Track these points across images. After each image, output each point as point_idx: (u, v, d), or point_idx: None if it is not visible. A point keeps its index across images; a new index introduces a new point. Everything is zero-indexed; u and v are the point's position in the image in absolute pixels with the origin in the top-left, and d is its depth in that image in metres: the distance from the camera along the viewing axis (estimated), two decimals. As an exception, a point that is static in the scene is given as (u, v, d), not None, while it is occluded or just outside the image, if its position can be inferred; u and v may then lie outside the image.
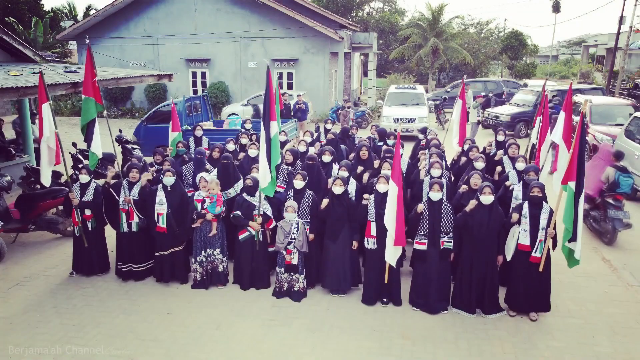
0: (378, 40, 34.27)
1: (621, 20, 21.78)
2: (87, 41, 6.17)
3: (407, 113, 15.68)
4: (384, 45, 35.99)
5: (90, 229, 6.06)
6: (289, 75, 20.72)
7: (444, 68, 33.17)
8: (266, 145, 5.38)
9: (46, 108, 5.81)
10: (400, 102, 16.61)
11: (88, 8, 43.40)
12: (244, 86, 21.07)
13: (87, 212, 6.02)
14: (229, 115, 17.55)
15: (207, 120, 13.25)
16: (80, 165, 8.80)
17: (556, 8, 54.67)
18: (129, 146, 10.52)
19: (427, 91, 29.41)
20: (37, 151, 7.64)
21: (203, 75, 21.64)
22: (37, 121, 7.22)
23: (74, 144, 9.77)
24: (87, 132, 5.95)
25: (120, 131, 10.88)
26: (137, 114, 21.15)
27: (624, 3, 20.97)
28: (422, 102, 16.60)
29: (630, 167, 9.33)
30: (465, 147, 7.07)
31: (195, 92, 21.51)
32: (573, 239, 4.79)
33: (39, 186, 8.52)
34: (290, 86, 20.51)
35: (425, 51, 29.07)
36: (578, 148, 4.73)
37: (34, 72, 7.66)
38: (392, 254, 5.05)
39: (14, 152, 9.86)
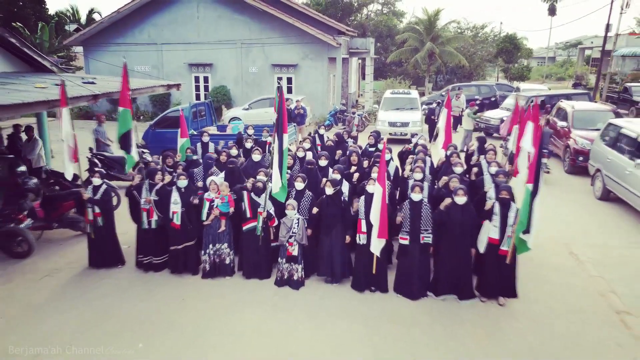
0: (376, 43, 35.07)
1: (607, 27, 22.52)
2: (125, 60, 6.93)
3: (401, 117, 16.43)
4: (381, 49, 36.74)
5: (99, 225, 6.79)
6: (289, 80, 21.47)
7: (441, 71, 33.91)
8: (279, 155, 6.12)
9: (65, 113, 6.56)
10: (395, 106, 17.36)
11: (91, 11, 44.16)
12: (245, 90, 21.82)
13: (97, 210, 6.77)
14: (230, 120, 18.36)
15: (211, 124, 14.03)
16: (96, 169, 9.52)
17: (552, 11, 55.62)
18: (139, 150, 11.22)
19: (423, 94, 30.24)
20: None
21: (205, 79, 22.38)
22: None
23: (90, 149, 10.50)
24: (124, 139, 6.71)
25: (108, 139, 11.60)
26: (141, 117, 21.87)
27: (610, 11, 21.70)
28: (416, 107, 17.35)
29: (603, 168, 10.13)
30: (448, 152, 7.82)
31: (197, 96, 22.26)
32: (527, 231, 5.52)
33: (57, 187, 9.29)
34: (289, 90, 21.24)
35: (421, 55, 29.80)
36: (536, 155, 5.46)
37: (56, 84, 8.43)
38: (376, 245, 5.79)
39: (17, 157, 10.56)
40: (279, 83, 21.10)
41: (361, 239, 6.08)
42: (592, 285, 6.50)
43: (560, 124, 13.35)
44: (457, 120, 18.01)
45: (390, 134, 16.13)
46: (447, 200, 5.81)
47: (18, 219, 7.19)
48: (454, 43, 31.66)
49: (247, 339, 5.32)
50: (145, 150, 11.45)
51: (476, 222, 5.92)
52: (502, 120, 16.93)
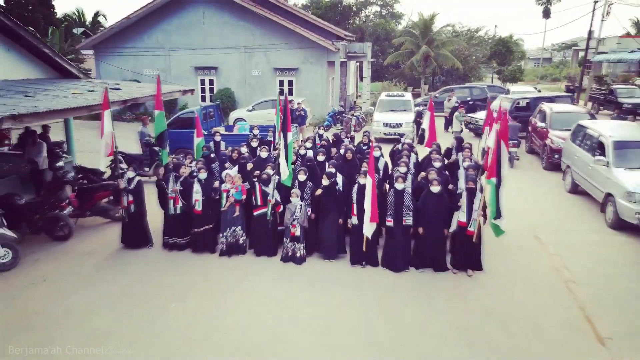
0: (374, 46, 36.28)
1: (590, 34, 23.72)
2: (158, 73, 8.17)
3: (395, 118, 17.63)
4: (379, 51, 37.94)
5: (132, 211, 8.01)
6: (290, 83, 22.68)
7: (436, 73, 35.13)
8: (285, 150, 7.34)
9: (107, 114, 7.75)
10: (390, 108, 18.57)
11: (96, 14, 45.36)
12: (248, 92, 23.02)
13: (131, 198, 7.98)
14: (235, 120, 19.56)
15: (219, 125, 15.23)
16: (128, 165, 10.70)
17: (546, 14, 56.81)
18: (155, 148, 12.44)
19: (419, 95, 31.46)
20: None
21: (211, 82, 23.58)
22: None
23: (116, 147, 11.66)
24: (161, 137, 7.95)
25: (149, 136, 12.83)
26: (149, 118, 23.00)
27: (592, 18, 22.92)
28: (409, 108, 18.55)
29: (572, 164, 11.34)
30: (430, 149, 9.02)
31: (203, 98, 23.45)
32: (497, 217, 6.72)
33: (85, 181, 10.48)
34: (290, 93, 22.44)
35: (417, 58, 31.05)
36: (496, 153, 6.65)
37: (89, 90, 9.66)
38: (368, 228, 6.98)
39: (61, 153, 11.77)
40: (281, 89, 22.34)
41: (353, 220, 7.28)
42: (549, 262, 7.71)
43: (540, 124, 14.58)
44: (450, 120, 19.24)
45: (384, 133, 17.33)
46: (429, 173, 7.08)
47: (61, 207, 8.38)
48: (448, 46, 32.89)
49: (258, 301, 6.51)
50: (159, 148, 12.62)
51: (449, 207, 7.13)
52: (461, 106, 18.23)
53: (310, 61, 22.31)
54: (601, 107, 25.29)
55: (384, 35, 38.11)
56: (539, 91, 28.13)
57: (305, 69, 22.44)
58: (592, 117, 14.49)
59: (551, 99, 18.55)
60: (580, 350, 5.43)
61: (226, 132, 13.82)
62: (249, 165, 8.46)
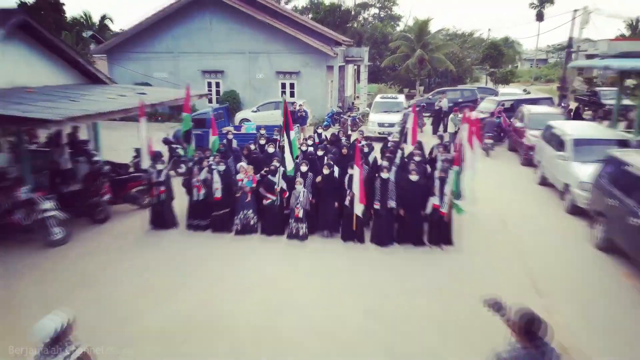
0: (371, 49, 37.81)
1: (570, 42, 25.24)
2: (188, 84, 9.73)
3: (388, 119, 19.15)
4: (376, 54, 39.46)
5: (162, 198, 9.54)
6: (291, 85, 24.22)
7: (431, 75, 36.66)
8: (289, 146, 8.87)
9: (143, 120, 9.29)
10: (384, 109, 20.09)
11: (103, 18, 46.86)
12: (252, 94, 24.55)
13: (161, 188, 9.52)
14: (241, 120, 21.09)
15: (228, 125, 16.76)
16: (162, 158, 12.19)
17: (539, 17, 58.39)
18: (173, 146, 13.98)
19: (414, 96, 32.98)
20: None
21: (217, 84, 25.12)
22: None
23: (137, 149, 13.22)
24: (187, 134, 9.54)
25: (168, 134, 14.35)
26: (159, 118, 24.54)
27: (572, 27, 24.41)
28: (402, 110, 20.05)
29: (541, 159, 12.88)
30: (413, 147, 10.56)
31: (210, 99, 24.96)
32: (457, 198, 8.25)
33: (113, 174, 11.97)
34: (292, 95, 23.98)
35: (412, 61, 32.57)
36: (459, 149, 8.18)
37: (121, 95, 11.20)
38: (358, 208, 8.50)
39: (89, 151, 13.29)
40: (282, 91, 23.88)
41: (347, 202, 8.81)
42: (510, 239, 9.24)
43: (518, 124, 16.11)
44: (439, 120, 20.74)
45: (379, 133, 18.85)
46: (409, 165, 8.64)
47: (100, 194, 9.90)
48: (443, 49, 34.42)
49: (269, 268, 8.03)
50: (178, 146, 14.16)
51: (425, 193, 8.65)
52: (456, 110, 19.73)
53: (310, 65, 23.84)
54: (585, 108, 26.79)
55: (381, 39, 39.66)
56: (528, 93, 29.66)
57: (306, 73, 23.97)
58: (566, 118, 16.03)
59: (533, 101, 20.11)
60: (521, 300, 6.96)
61: (234, 132, 15.33)
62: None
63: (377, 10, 74.16)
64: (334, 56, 23.41)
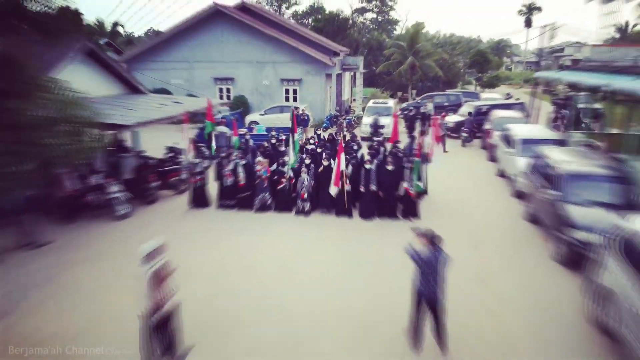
0: (367, 55, 40.76)
1: (540, 52, 28.16)
2: (208, 99, 12.68)
3: (379, 121, 22.05)
4: (372, 60, 42.42)
5: (199, 185, 12.48)
6: (294, 91, 27.15)
7: (421, 80, 39.62)
8: (292, 145, 11.81)
9: (187, 125, 12.24)
10: (376, 113, 23.00)
11: (115, 25, 49.78)
12: (259, 99, 27.48)
13: (199, 177, 12.46)
14: (250, 122, 24.02)
15: (242, 127, 19.69)
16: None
17: (528, 23, 61.38)
18: (198, 144, 16.88)
19: (407, 99, 35.90)
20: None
21: (228, 90, 28.06)
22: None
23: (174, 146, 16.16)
24: (209, 138, 12.47)
25: (194, 135, 17.26)
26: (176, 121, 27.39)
27: (542, 42, 27.34)
28: (391, 113, 22.97)
29: (500, 156, 15.81)
30: (390, 145, 13.50)
31: (231, 107, 27.86)
32: (419, 180, 11.21)
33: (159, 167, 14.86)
34: (295, 99, 26.91)
35: (404, 67, 35.53)
36: (419, 148, 11.11)
37: (162, 104, 14.14)
38: (333, 190, 11.43)
39: (133, 148, 16.17)
40: (296, 109, 26.81)
41: (342, 186, 11.76)
42: (464, 214, 12.15)
43: (487, 126, 19.05)
44: (412, 124, 23.57)
45: (371, 134, 21.74)
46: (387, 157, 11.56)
47: (150, 181, 12.83)
48: (433, 56, 37.38)
49: (280, 235, 10.95)
50: (202, 145, 17.08)
51: (398, 178, 11.58)
52: (455, 123, 22.69)
53: (311, 73, 26.78)
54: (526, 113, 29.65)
55: (376, 46, 42.62)
56: (509, 97, 32.58)
57: (307, 80, 26.91)
58: (527, 121, 18.96)
59: (506, 107, 23.02)
60: (463, 252, 9.90)
61: (250, 133, 18.29)
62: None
63: (374, 15, 77.03)
64: (332, 65, 26.35)
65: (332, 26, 42.28)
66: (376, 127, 20.55)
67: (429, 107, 24.73)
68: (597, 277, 7.06)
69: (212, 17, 26.94)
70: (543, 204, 10.31)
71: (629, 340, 5.94)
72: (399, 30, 71.84)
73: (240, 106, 26.87)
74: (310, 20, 67.78)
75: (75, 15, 13.93)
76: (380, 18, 75.12)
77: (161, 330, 5.78)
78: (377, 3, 74.92)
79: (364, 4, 76.03)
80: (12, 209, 9.40)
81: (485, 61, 38.38)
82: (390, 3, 73.73)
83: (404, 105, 29.90)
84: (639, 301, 5.81)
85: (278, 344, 6.73)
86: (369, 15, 76.67)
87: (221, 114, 20.41)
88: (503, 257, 9.68)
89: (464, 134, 20.86)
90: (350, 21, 44.88)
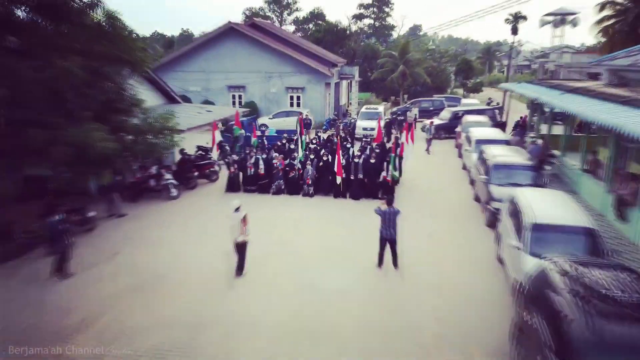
0: (363, 63, 44.80)
1: (509, 67, 32.17)
2: (237, 110, 16.81)
3: (370, 124, 26.09)
4: (367, 67, 46.49)
5: (233, 175, 16.57)
6: (298, 98, 31.20)
7: (412, 85, 43.72)
8: (300, 144, 15.92)
9: (218, 130, 16.32)
10: (368, 117, 27.07)
11: (130, 33, 53.55)
12: (267, 105, 31.52)
13: (232, 168, 16.55)
14: (260, 125, 28.08)
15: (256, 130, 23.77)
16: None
17: (514, 31, 65.21)
18: (223, 144, 20.94)
19: (398, 103, 39.93)
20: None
21: (239, 97, 32.10)
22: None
23: (203, 146, 20.21)
24: (235, 139, 16.60)
25: (222, 138, 21.27)
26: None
27: (509, 58, 31.33)
28: (381, 117, 27.04)
29: (463, 153, 19.89)
30: (374, 145, 17.56)
31: (251, 114, 31.88)
32: (395, 171, 15.28)
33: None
34: (298, 105, 30.96)
35: (396, 75, 39.58)
36: (394, 146, 15.18)
37: (198, 112, 18.23)
38: (338, 179, 15.50)
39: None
40: (301, 114, 30.82)
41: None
42: (429, 196, 16.19)
43: (458, 128, 23.12)
44: (389, 129, 27.54)
45: (363, 135, 25.83)
46: (372, 153, 15.66)
47: (192, 172, 16.89)
48: (423, 64, 41.43)
49: (292, 211, 14.98)
50: (225, 144, 21.13)
51: (379, 169, 15.65)
52: (434, 126, 26.72)
53: (312, 82, 30.83)
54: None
55: (371, 54, 46.66)
56: (490, 102, 36.65)
57: (309, 88, 30.96)
58: (492, 125, 23.04)
59: (480, 112, 27.07)
60: (422, 219, 13.97)
61: (261, 134, 22.38)
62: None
63: (372, 21, 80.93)
64: (330, 75, 30.40)
65: (332, 36, 46.33)
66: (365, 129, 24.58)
67: (414, 111, 28.76)
68: (498, 228, 11.13)
69: (227, 33, 30.97)
70: (480, 186, 14.37)
71: (506, 263, 9.98)
72: (395, 34, 75.80)
73: (252, 111, 30.95)
74: (310, 25, 71.83)
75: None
76: (377, 24, 79.04)
77: (241, 251, 9.87)
78: (374, 10, 79.09)
79: (362, 10, 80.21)
80: (108, 189, 13.47)
81: (469, 69, 42.43)
82: (386, 10, 77.91)
83: (395, 109, 33.95)
84: (509, 238, 9.84)
85: (293, 266, 10.78)
86: (367, 21, 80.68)
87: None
88: (450, 223, 13.74)
89: (441, 133, 24.91)
90: (348, 31, 48.84)
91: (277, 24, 76.62)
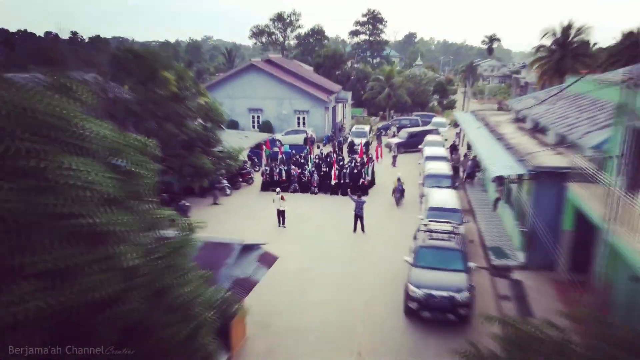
0: (356, 84, 53.78)
1: (470, 81, 41.08)
2: (268, 137, 25.99)
3: (358, 140, 34.99)
4: (360, 87, 55.47)
5: (267, 180, 25.56)
6: (304, 118, 40.18)
7: (397, 104, 52.76)
8: (309, 159, 24.97)
9: (265, 152, 25.39)
10: (357, 135, 35.98)
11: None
12: (279, 124, 40.45)
13: (266, 175, 25.55)
14: (275, 140, 36.99)
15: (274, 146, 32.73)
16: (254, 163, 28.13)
17: (489, 52, 74.38)
18: (254, 158, 29.88)
19: (385, 118, 48.91)
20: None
21: (258, 117, 41.05)
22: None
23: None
24: (263, 157, 25.83)
25: (250, 151, 30.21)
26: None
27: (467, 90, 40.21)
28: (366, 134, 35.98)
29: (421, 164, 28.99)
30: (359, 159, 26.55)
31: (253, 126, 40.80)
32: (368, 176, 24.24)
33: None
34: (304, 124, 39.94)
35: (382, 96, 48.53)
36: (368, 158, 24.16)
37: (244, 137, 27.32)
38: (333, 182, 24.46)
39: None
40: (306, 133, 39.78)
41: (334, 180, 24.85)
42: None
43: (421, 145, 32.10)
44: (367, 145, 36.56)
45: (354, 147, 34.79)
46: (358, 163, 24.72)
47: (238, 177, 25.85)
48: (405, 86, 50.38)
49: (304, 205, 23.92)
50: (255, 159, 30.01)
51: (360, 175, 24.60)
52: (395, 144, 35.70)
53: (315, 106, 39.80)
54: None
55: (363, 76, 55.65)
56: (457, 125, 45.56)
57: (313, 111, 39.93)
58: (454, 145, 32.05)
59: (429, 132, 35.94)
60: (387, 209, 22.94)
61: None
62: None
63: (367, 37, 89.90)
64: (328, 101, 39.39)
65: (331, 61, 55.27)
66: (353, 145, 33.68)
67: (392, 130, 37.67)
68: (421, 202, 20.13)
69: (248, 68, 39.94)
70: (419, 186, 23.36)
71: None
72: (388, 50, 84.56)
73: (268, 129, 39.95)
74: (311, 39, 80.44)
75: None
76: (372, 39, 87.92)
77: (282, 214, 18.96)
78: (369, 27, 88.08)
79: (358, 27, 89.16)
80: (210, 189, 22.54)
81: (444, 90, 51.29)
82: (380, 27, 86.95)
83: (380, 125, 42.91)
84: (420, 214, 18.71)
85: (310, 232, 19.74)
86: (362, 37, 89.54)
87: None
88: (402, 213, 22.67)
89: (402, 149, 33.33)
90: (345, 57, 57.75)
91: (280, 38, 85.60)
